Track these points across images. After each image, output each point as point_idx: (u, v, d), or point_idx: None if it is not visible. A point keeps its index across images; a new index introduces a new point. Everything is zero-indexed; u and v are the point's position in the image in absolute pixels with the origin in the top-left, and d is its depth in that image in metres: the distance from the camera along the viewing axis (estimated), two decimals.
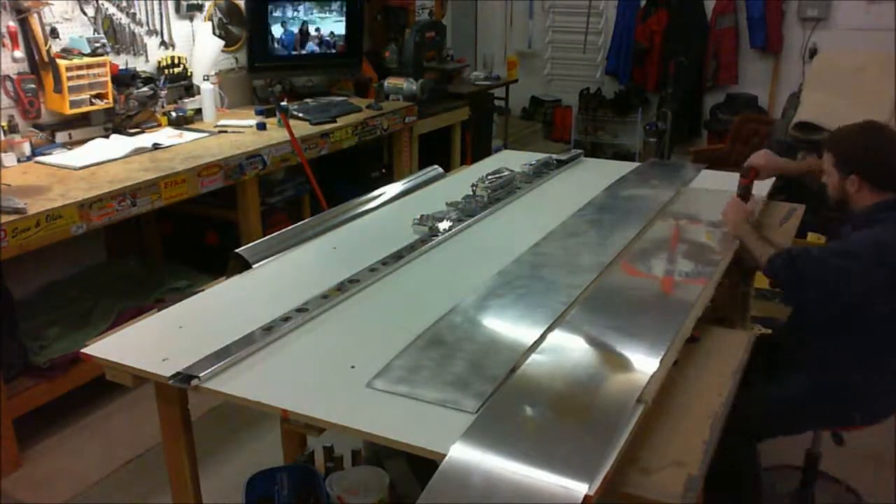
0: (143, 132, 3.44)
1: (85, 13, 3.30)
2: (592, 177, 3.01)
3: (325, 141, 3.76)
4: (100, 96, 3.21)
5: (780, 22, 5.67)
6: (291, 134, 3.50)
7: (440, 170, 3.05)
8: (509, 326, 1.76)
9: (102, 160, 3.03)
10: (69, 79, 3.07)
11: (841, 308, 2.00)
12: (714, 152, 5.09)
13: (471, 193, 2.57)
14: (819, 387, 2.07)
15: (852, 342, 2.04)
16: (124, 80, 3.37)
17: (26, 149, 3.04)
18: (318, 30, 4.30)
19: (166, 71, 3.69)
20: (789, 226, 2.64)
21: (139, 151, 3.17)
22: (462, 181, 2.77)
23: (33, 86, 3.09)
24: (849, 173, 2.02)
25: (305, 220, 2.48)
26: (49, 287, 3.35)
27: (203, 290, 1.98)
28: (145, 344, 1.69)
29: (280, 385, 1.52)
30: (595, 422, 1.39)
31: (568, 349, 1.64)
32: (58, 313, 3.13)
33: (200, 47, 3.83)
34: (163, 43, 3.70)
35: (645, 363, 1.58)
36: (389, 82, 4.54)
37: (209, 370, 1.52)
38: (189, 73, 3.81)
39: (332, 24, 4.34)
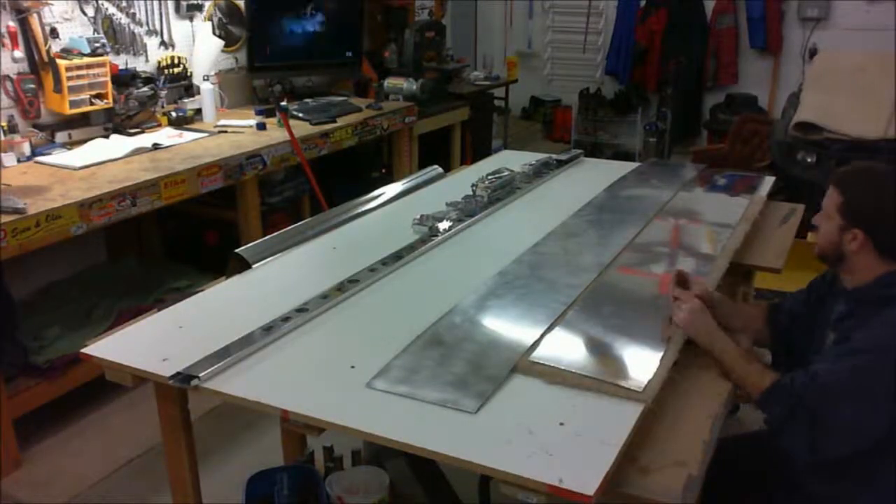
0: (143, 132, 3.43)
1: (85, 13, 3.30)
2: (592, 177, 3.01)
3: (325, 141, 3.76)
4: (100, 96, 3.20)
5: (780, 22, 5.67)
6: (291, 134, 3.50)
7: (440, 170, 3.06)
8: (509, 326, 1.76)
9: (102, 160, 3.02)
10: (69, 79, 3.07)
11: (867, 445, 1.50)
12: (714, 152, 5.09)
13: (471, 193, 2.57)
14: None
15: (868, 479, 1.56)
16: (124, 80, 3.37)
17: (26, 149, 3.04)
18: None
19: (166, 71, 3.69)
20: (789, 226, 2.65)
21: (139, 151, 3.17)
22: (462, 181, 2.77)
23: (33, 86, 3.09)
24: (854, 225, 1.56)
25: (305, 220, 2.48)
26: (49, 287, 3.35)
27: (203, 290, 1.99)
28: (145, 344, 1.69)
29: (280, 385, 1.52)
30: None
31: (568, 349, 1.64)
32: (58, 313, 3.12)
33: (200, 47, 3.83)
34: (163, 43, 3.70)
35: (645, 363, 1.58)
36: (389, 82, 4.54)
37: (209, 370, 1.52)
38: (189, 73, 3.81)
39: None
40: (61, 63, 3.06)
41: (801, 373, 1.53)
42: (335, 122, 3.88)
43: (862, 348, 1.48)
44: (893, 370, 1.43)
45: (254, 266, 2.08)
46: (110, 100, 3.26)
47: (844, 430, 1.47)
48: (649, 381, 1.51)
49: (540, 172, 2.97)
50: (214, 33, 3.92)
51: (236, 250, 2.11)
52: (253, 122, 3.70)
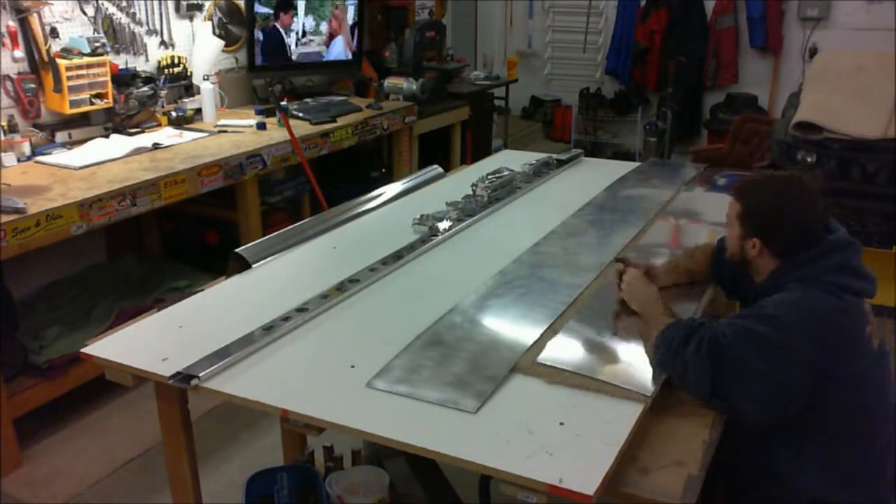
0: (143, 132, 3.43)
1: (85, 13, 3.30)
2: (592, 177, 3.01)
3: (325, 141, 3.76)
4: (100, 96, 3.20)
5: (780, 22, 5.67)
6: (291, 134, 3.50)
7: (440, 170, 3.06)
8: (509, 326, 1.76)
9: (102, 160, 3.02)
10: (69, 78, 3.07)
11: (782, 406, 1.54)
12: (714, 152, 5.09)
13: (471, 193, 2.57)
14: None
15: (803, 444, 1.61)
16: (124, 79, 3.37)
17: (26, 148, 3.04)
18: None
19: (166, 71, 3.69)
20: None
21: (139, 151, 3.17)
22: (462, 181, 2.77)
23: (33, 85, 3.09)
24: (752, 234, 1.72)
25: (305, 220, 2.48)
26: (49, 287, 3.35)
27: (203, 290, 1.99)
28: (145, 344, 1.69)
29: (280, 385, 1.52)
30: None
31: (569, 349, 1.64)
32: (58, 313, 3.12)
33: (200, 47, 3.83)
34: (163, 43, 3.70)
35: (645, 363, 1.58)
36: (389, 82, 4.54)
37: (209, 370, 1.53)
38: (189, 73, 3.81)
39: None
40: (61, 63, 3.06)
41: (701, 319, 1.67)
42: (335, 121, 3.88)
43: (774, 306, 1.59)
44: (805, 329, 1.53)
45: (254, 266, 2.08)
46: (110, 99, 3.26)
47: (748, 375, 1.51)
48: (650, 382, 1.51)
49: (540, 172, 2.97)
50: (214, 33, 3.92)
51: (236, 250, 2.11)
52: (253, 121, 3.70)
